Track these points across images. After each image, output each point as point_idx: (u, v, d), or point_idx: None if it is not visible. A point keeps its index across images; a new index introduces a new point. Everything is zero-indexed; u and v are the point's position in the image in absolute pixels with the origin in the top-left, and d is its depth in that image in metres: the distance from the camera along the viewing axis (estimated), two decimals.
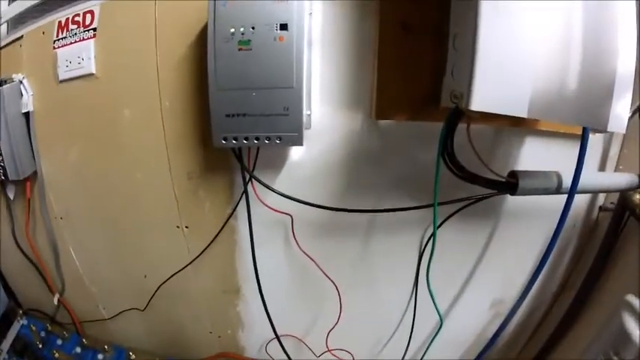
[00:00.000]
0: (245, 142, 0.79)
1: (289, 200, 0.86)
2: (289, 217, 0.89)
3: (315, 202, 0.86)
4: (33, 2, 1.16)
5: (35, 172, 1.10)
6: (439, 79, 0.85)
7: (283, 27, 0.76)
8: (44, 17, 1.16)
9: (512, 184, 0.81)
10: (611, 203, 1.03)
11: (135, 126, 0.92)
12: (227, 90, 0.77)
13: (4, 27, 1.33)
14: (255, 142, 0.79)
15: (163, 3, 0.87)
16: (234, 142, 0.79)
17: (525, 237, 1.01)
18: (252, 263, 0.89)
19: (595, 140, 0.97)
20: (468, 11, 0.72)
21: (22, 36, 1.10)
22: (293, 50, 0.76)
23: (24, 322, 1.37)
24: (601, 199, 1.07)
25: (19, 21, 1.30)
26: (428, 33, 0.85)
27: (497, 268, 1.03)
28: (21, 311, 1.37)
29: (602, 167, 1.04)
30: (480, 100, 0.71)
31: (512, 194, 0.81)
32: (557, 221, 0.81)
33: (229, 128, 0.78)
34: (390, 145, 0.87)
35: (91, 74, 0.94)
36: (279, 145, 0.79)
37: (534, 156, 0.93)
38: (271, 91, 0.77)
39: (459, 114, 0.80)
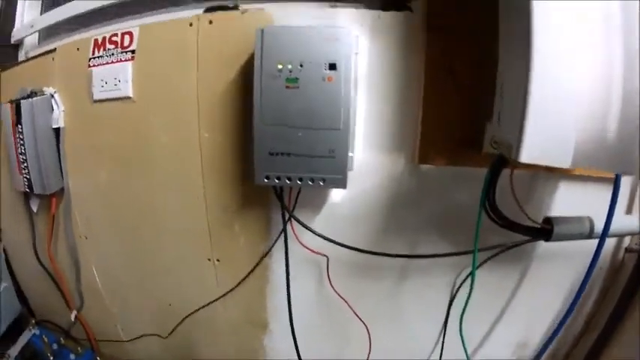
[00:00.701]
0: (288, 182, 0.76)
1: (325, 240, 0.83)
2: (325, 257, 0.86)
3: (351, 242, 0.84)
4: (67, 14, 1.14)
5: (62, 189, 1.07)
6: (480, 124, 0.83)
7: (332, 67, 0.73)
8: (79, 32, 1.13)
9: (547, 230, 0.79)
10: (637, 244, 1.02)
11: (170, 154, 0.90)
12: (272, 127, 0.75)
13: (35, 36, 1.31)
14: (299, 182, 0.76)
15: (206, 30, 0.84)
16: (276, 181, 0.77)
17: (552, 278, 0.99)
18: (282, 300, 0.87)
19: (623, 181, 0.95)
20: (517, 60, 0.70)
21: (55, 49, 1.07)
22: (341, 91, 0.74)
23: (36, 331, 1.35)
24: (627, 240, 1.05)
25: (51, 32, 1.28)
26: (471, 76, 0.83)
27: (523, 310, 1.00)
28: (33, 321, 1.35)
29: (629, 207, 1.02)
30: (530, 153, 0.69)
31: (546, 240, 0.80)
32: (584, 262, 0.80)
33: (272, 167, 0.76)
34: (428, 189, 0.85)
35: (128, 97, 0.92)
36: (323, 187, 0.76)
37: (566, 199, 0.91)
38: (317, 131, 0.74)
39: (504, 162, 0.78)
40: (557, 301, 0.99)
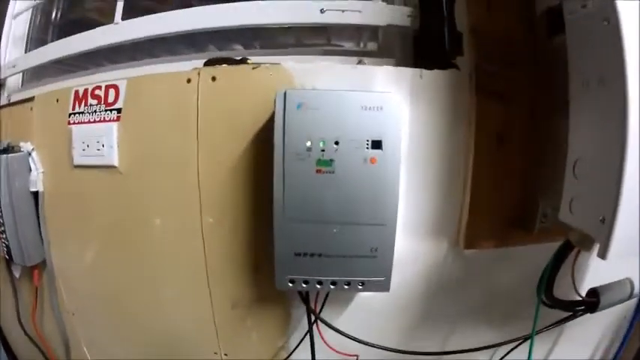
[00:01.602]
0: (318, 286, 0.49)
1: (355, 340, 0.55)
2: (355, 356, 0.58)
3: (384, 337, 0.58)
4: (50, 56, 0.80)
5: (44, 261, 0.74)
6: (532, 201, 0.57)
7: (376, 145, 0.46)
8: (65, 78, 0.80)
9: (593, 303, 0.57)
10: None
11: (166, 240, 0.60)
12: (298, 222, 0.46)
13: (19, 78, 0.96)
14: (332, 287, 0.49)
15: (209, 88, 0.54)
16: (304, 285, 0.49)
17: (583, 333, 0.74)
18: None
19: None
20: (601, 134, 0.44)
21: (33, 97, 0.74)
22: (387, 177, 0.46)
23: None
24: None
25: (37, 75, 0.93)
26: (525, 148, 0.57)
27: None
28: None
29: None
30: (618, 249, 0.44)
31: (591, 312, 0.58)
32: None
33: (298, 269, 0.48)
34: (471, 274, 0.60)
35: (113, 166, 0.60)
36: (361, 290, 0.49)
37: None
38: (357, 227, 0.47)
39: (570, 247, 0.53)
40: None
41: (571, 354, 0.75)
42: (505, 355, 0.60)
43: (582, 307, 0.58)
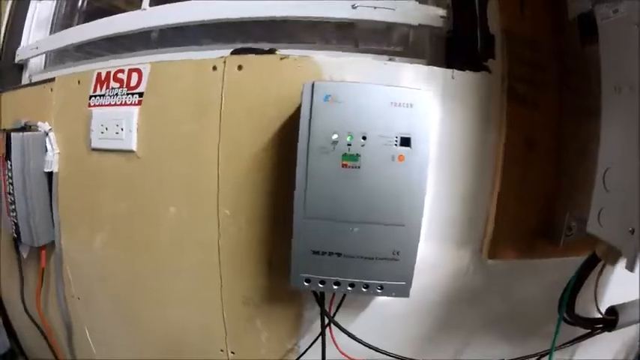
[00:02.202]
0: (335, 287, 0.47)
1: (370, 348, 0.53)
2: None
3: (399, 345, 0.55)
4: (74, 39, 0.80)
5: (53, 242, 0.73)
6: (559, 212, 0.55)
7: (405, 142, 0.44)
8: (88, 62, 0.80)
9: (612, 322, 0.54)
10: None
11: (180, 229, 0.58)
12: (318, 220, 0.44)
13: (42, 59, 0.96)
14: (349, 289, 0.46)
15: (234, 76, 0.53)
16: (320, 285, 0.47)
17: (600, 347, 0.71)
18: None
19: None
20: (633, 142, 0.42)
21: (54, 78, 0.74)
22: (415, 176, 0.44)
23: None
24: None
25: (60, 57, 0.93)
26: (554, 156, 0.55)
27: None
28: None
29: None
30: None
31: (610, 331, 0.55)
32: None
33: (315, 268, 0.46)
34: (491, 285, 0.57)
35: (131, 151, 0.59)
36: (380, 294, 0.46)
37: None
38: (379, 227, 0.45)
39: (595, 261, 0.50)
40: None
41: None
42: None
43: (601, 325, 0.56)
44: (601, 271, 0.52)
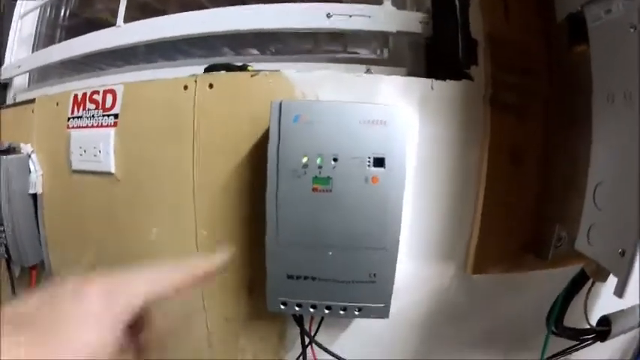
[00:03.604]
0: (312, 310, 0.46)
1: None
2: None
3: None
4: (53, 58, 0.80)
5: (42, 262, 0.74)
6: (546, 226, 0.53)
7: (379, 162, 0.43)
8: (69, 80, 0.80)
9: (605, 333, 0.53)
10: None
11: (161, 250, 0.57)
12: (292, 245, 0.44)
13: (26, 77, 0.97)
14: (327, 311, 0.46)
15: (205, 95, 0.52)
16: (297, 308, 0.46)
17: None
18: None
19: None
20: (626, 156, 0.40)
21: (34, 99, 0.74)
22: (390, 197, 0.43)
23: None
24: None
25: (43, 76, 0.93)
26: (541, 169, 0.53)
27: None
28: None
29: None
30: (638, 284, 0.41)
31: (602, 341, 0.53)
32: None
33: (291, 292, 0.46)
34: (478, 301, 0.56)
35: (110, 173, 0.59)
36: (358, 316, 0.46)
37: None
38: (354, 251, 0.44)
39: (585, 278, 0.49)
40: None
41: None
42: None
43: (592, 336, 0.54)
44: (591, 286, 0.51)
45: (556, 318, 0.52)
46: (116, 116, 0.59)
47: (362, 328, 0.55)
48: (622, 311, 0.56)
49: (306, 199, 0.43)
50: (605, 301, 0.57)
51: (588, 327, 0.55)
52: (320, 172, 0.43)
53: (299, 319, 0.50)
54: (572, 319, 0.52)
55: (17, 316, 0.24)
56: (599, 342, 0.55)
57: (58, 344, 0.24)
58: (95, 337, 0.25)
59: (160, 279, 0.28)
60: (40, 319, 0.24)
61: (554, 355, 0.57)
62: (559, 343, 0.55)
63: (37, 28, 0.94)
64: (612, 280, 0.43)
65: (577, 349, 0.58)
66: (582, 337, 0.55)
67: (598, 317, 0.53)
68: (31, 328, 0.24)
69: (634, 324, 0.56)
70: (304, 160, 0.43)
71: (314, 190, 0.43)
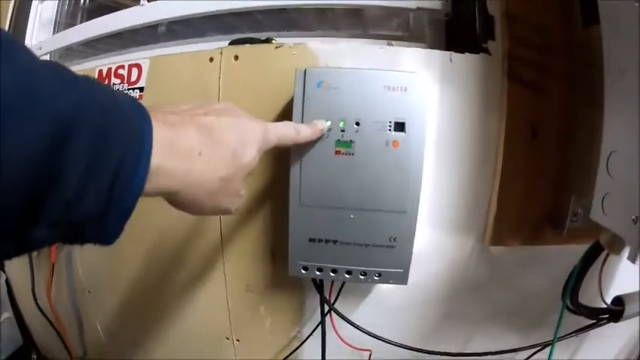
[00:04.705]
0: (332, 274, 0.48)
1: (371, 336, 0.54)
2: (368, 352, 0.57)
3: (402, 335, 0.56)
4: (76, 38, 0.84)
5: None
6: (564, 198, 0.55)
7: (399, 127, 0.45)
8: (93, 59, 0.83)
9: (618, 312, 0.54)
10: None
11: (183, 219, 0.59)
12: (314, 207, 0.46)
13: (46, 59, 1.00)
14: (347, 276, 0.48)
15: (231, 67, 0.55)
16: (317, 273, 0.48)
17: (606, 341, 0.70)
18: None
19: None
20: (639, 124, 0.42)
21: None
22: (410, 161, 0.45)
23: None
24: None
25: (65, 57, 0.96)
26: (559, 140, 0.55)
27: None
28: (35, 356, 1.05)
29: None
30: None
31: (615, 322, 0.54)
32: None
33: (312, 256, 0.47)
34: (495, 273, 0.57)
35: None
36: (378, 282, 0.48)
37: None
38: (375, 214, 0.46)
39: (600, 249, 0.50)
40: None
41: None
42: None
43: (606, 316, 0.55)
44: (605, 259, 0.52)
45: (571, 292, 0.54)
46: (141, 89, 0.62)
47: (380, 298, 0.57)
48: (635, 293, 0.58)
49: (328, 162, 0.45)
50: (619, 284, 0.58)
51: (603, 306, 0.56)
52: (343, 136, 0.45)
53: (319, 286, 0.52)
54: (586, 300, 0.53)
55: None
56: (612, 322, 0.57)
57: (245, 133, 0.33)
58: (255, 154, 0.34)
59: (290, 127, 0.40)
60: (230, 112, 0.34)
61: (569, 334, 0.59)
62: (573, 323, 0.56)
63: (57, 11, 0.98)
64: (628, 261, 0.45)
65: (591, 329, 0.59)
66: (596, 315, 0.57)
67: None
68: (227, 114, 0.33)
69: None
70: (327, 124, 0.45)
71: (337, 152, 0.45)
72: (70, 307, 0.81)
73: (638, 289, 0.56)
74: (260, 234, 0.55)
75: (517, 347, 0.58)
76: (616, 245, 0.47)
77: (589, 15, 0.53)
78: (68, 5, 1.01)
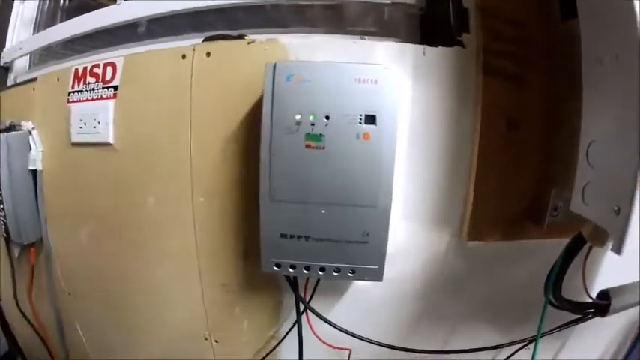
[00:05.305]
0: (305, 271, 0.48)
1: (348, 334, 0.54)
2: (347, 350, 0.57)
3: (380, 333, 0.56)
4: (53, 38, 0.83)
5: (42, 240, 0.76)
6: (544, 192, 0.54)
7: (370, 120, 0.44)
8: (69, 59, 0.82)
9: (604, 306, 0.54)
10: None
11: (159, 218, 0.60)
12: (285, 202, 0.45)
13: (26, 60, 1.00)
14: (320, 273, 0.48)
15: (202, 63, 0.55)
16: (290, 270, 0.48)
17: (592, 336, 0.69)
18: None
19: None
20: (617, 114, 0.42)
21: (36, 78, 0.77)
22: (382, 154, 0.44)
23: None
24: None
25: (44, 57, 0.96)
26: (538, 133, 0.55)
27: None
28: None
29: None
30: (634, 242, 0.41)
31: (601, 316, 0.55)
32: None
33: (285, 252, 0.47)
34: (473, 269, 0.57)
35: (108, 144, 0.61)
36: (352, 278, 0.47)
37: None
38: (347, 209, 0.45)
39: (582, 242, 0.50)
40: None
41: (578, 357, 0.71)
42: (508, 357, 0.57)
43: (592, 310, 0.55)
44: (587, 253, 0.52)
45: (553, 287, 0.54)
46: (115, 88, 0.61)
47: (357, 296, 0.56)
48: (622, 287, 0.57)
49: (299, 156, 0.45)
50: (606, 277, 0.58)
51: (588, 300, 0.56)
52: (312, 130, 0.45)
53: (293, 283, 0.52)
54: (571, 294, 0.53)
55: None
56: (598, 317, 0.57)
57: None
58: None
59: None
60: None
61: (555, 329, 0.58)
62: (559, 318, 0.56)
63: (38, 12, 0.97)
64: (612, 254, 0.44)
65: (577, 323, 0.59)
66: (582, 310, 0.56)
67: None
68: None
69: (634, 301, 0.57)
70: (297, 117, 0.45)
71: (307, 147, 0.45)
72: (51, 310, 0.80)
73: (623, 283, 0.56)
74: (233, 232, 0.55)
75: (499, 344, 0.58)
76: (599, 237, 0.47)
77: (567, 9, 0.53)
78: (48, 5, 1.02)
